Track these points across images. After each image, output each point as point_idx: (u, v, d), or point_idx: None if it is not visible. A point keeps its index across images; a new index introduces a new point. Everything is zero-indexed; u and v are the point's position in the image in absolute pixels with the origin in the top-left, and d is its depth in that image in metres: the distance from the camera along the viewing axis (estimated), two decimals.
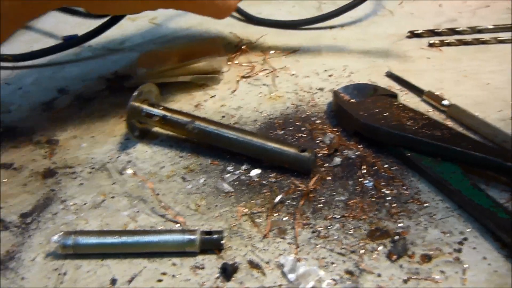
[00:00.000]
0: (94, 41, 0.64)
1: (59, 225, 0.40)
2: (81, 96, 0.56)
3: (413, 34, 0.61)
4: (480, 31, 0.60)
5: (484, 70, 0.54)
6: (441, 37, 0.60)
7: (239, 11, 0.68)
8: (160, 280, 0.35)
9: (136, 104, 0.45)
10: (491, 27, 0.60)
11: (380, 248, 0.36)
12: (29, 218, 0.41)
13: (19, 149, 0.48)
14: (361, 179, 0.42)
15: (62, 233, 0.37)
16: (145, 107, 0.45)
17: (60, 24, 0.71)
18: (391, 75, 0.54)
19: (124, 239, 0.36)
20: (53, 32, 0.70)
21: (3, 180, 0.45)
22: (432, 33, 0.61)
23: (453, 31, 0.61)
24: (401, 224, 0.38)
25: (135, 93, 0.44)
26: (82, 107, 0.54)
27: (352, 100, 0.47)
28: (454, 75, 0.54)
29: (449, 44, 0.59)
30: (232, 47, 0.61)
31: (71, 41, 0.62)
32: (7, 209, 0.42)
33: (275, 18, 0.64)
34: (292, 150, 0.41)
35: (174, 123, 0.44)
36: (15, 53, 0.61)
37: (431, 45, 0.59)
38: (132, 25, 0.66)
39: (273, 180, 0.42)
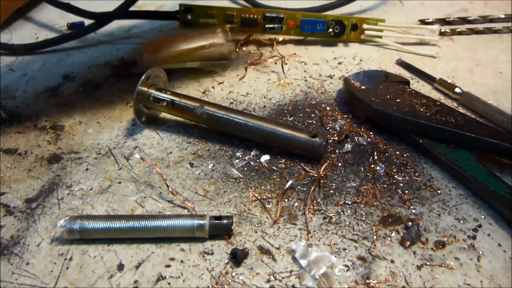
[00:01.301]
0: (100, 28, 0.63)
1: (64, 210, 0.39)
2: (87, 82, 0.55)
3: (424, 23, 0.60)
4: (492, 20, 0.59)
5: (497, 59, 0.53)
6: (452, 26, 0.59)
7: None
8: (168, 266, 0.34)
9: (144, 88, 0.44)
10: (503, 16, 0.59)
11: (393, 234, 0.35)
12: (34, 203, 0.40)
13: (24, 134, 0.48)
14: (373, 165, 0.41)
15: (68, 217, 0.36)
16: (153, 91, 0.44)
17: (66, 13, 0.70)
18: (401, 63, 0.53)
19: (132, 223, 0.35)
20: (57, 21, 0.69)
21: (8, 166, 0.44)
22: (443, 22, 0.60)
23: (464, 20, 0.60)
24: (414, 211, 0.37)
25: (143, 77, 0.43)
26: (88, 94, 0.53)
27: (363, 87, 0.46)
28: (467, 63, 0.53)
29: (460, 33, 0.58)
30: (240, 35, 0.60)
31: (77, 31, 0.62)
32: (12, 194, 0.41)
33: (285, 6, 0.62)
34: (303, 136, 0.40)
35: (183, 108, 0.43)
36: (21, 43, 0.60)
37: (442, 34, 0.58)
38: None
39: (283, 166, 0.41)
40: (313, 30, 0.56)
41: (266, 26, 0.56)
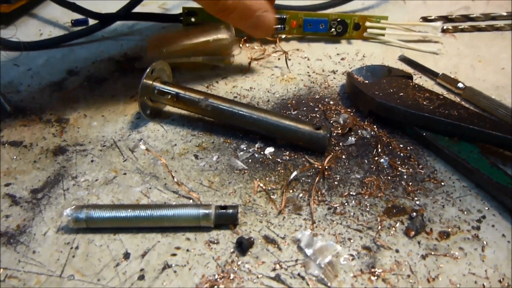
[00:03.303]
0: None
1: (70, 200, 0.39)
2: (92, 77, 0.55)
3: (426, 20, 0.61)
4: (494, 18, 0.60)
5: (498, 55, 0.53)
6: (455, 23, 0.60)
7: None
8: (174, 255, 0.34)
9: (149, 81, 0.44)
10: (505, 14, 0.60)
11: (398, 225, 0.35)
12: (40, 194, 0.40)
13: (29, 127, 0.48)
14: (377, 158, 0.41)
15: (74, 206, 0.36)
16: (158, 84, 0.44)
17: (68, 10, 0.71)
18: (404, 59, 0.54)
19: (138, 213, 0.35)
20: (61, 18, 0.70)
21: (13, 157, 0.44)
22: (445, 19, 0.60)
23: (466, 18, 0.60)
24: (418, 202, 0.37)
25: (148, 70, 0.43)
26: (93, 88, 0.53)
27: (366, 81, 0.46)
28: (469, 60, 0.53)
29: (462, 30, 0.58)
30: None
31: (81, 32, 0.62)
32: (18, 185, 0.41)
33: (289, 3, 0.63)
34: (307, 128, 0.41)
35: (187, 101, 0.44)
36: (26, 41, 0.61)
37: (444, 31, 0.58)
38: (142, 10, 0.65)
39: (287, 158, 0.41)
40: (316, 29, 0.56)
41: None
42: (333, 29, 0.56)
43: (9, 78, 0.56)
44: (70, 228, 0.36)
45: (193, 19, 0.58)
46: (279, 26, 0.56)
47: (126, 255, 0.34)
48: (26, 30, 0.67)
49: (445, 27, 0.58)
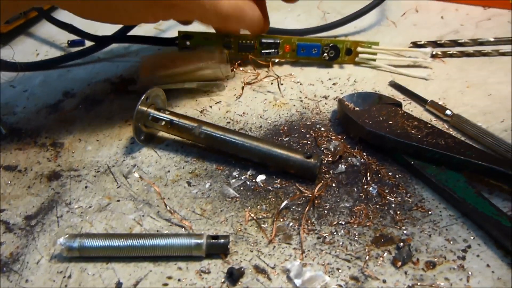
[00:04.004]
0: None
1: (63, 227, 0.40)
2: (87, 98, 0.56)
3: (416, 45, 0.62)
4: (482, 43, 0.61)
5: (486, 81, 0.54)
6: (444, 48, 0.61)
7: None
8: (165, 284, 0.35)
9: (144, 108, 0.45)
10: (492, 39, 0.61)
11: (385, 254, 0.36)
12: (34, 221, 0.41)
13: (24, 151, 0.49)
14: (366, 186, 0.42)
15: (67, 235, 0.37)
16: (152, 111, 0.45)
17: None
18: (394, 85, 0.55)
19: (130, 242, 0.36)
20: (58, 38, 0.71)
21: (8, 182, 0.45)
22: (434, 44, 0.61)
23: (455, 43, 0.61)
24: (406, 231, 0.38)
25: (143, 97, 0.44)
26: (88, 109, 0.54)
27: (357, 108, 0.47)
28: (457, 85, 0.54)
29: (451, 56, 0.59)
30: (237, 55, 0.62)
31: (77, 53, 0.63)
32: (12, 211, 0.42)
33: (281, 27, 0.64)
34: (298, 156, 0.42)
35: (181, 128, 0.45)
36: (23, 62, 0.61)
37: (434, 56, 0.60)
38: (138, 32, 0.66)
39: (279, 186, 0.42)
40: (308, 54, 0.58)
41: (263, 51, 0.57)
42: (325, 54, 0.57)
43: (5, 100, 0.57)
44: (63, 257, 0.37)
45: (188, 43, 0.59)
46: (273, 50, 0.57)
47: (119, 285, 0.35)
48: (23, 50, 0.68)
49: (434, 52, 0.60)
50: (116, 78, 0.60)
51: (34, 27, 0.75)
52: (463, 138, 0.46)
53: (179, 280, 0.35)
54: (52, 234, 0.39)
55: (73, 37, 0.65)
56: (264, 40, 0.57)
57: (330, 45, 0.57)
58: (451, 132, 0.47)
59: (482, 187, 0.41)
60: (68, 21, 0.61)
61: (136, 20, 0.50)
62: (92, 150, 0.48)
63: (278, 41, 0.57)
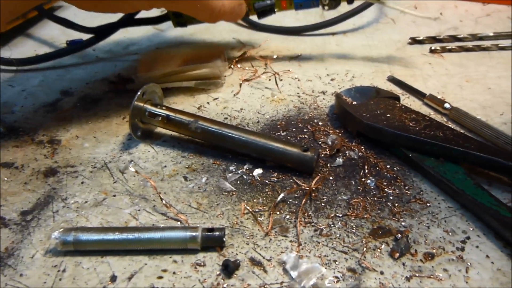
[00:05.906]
0: (99, 45, 0.64)
1: (59, 222, 0.40)
2: (85, 97, 0.56)
3: (415, 41, 0.62)
4: (481, 38, 0.61)
5: (486, 75, 0.54)
6: (443, 43, 0.61)
7: (243, 18, 0.68)
8: (160, 277, 0.34)
9: (140, 104, 0.45)
10: (492, 34, 0.61)
11: (383, 246, 0.36)
12: (29, 216, 0.41)
13: (21, 148, 0.49)
14: (364, 179, 0.41)
15: (62, 229, 0.36)
16: (149, 107, 0.45)
17: (66, 31, 0.72)
18: (393, 80, 0.54)
19: (125, 235, 0.36)
20: (57, 38, 0.71)
21: (4, 179, 0.45)
22: (433, 39, 0.61)
23: (454, 38, 0.61)
24: (404, 223, 0.37)
25: (139, 93, 0.44)
26: (86, 108, 0.54)
27: (355, 102, 0.47)
28: (456, 80, 0.54)
29: (450, 51, 0.59)
30: (235, 52, 0.62)
31: (75, 46, 0.63)
32: (8, 207, 0.42)
33: (280, 24, 0.64)
34: (295, 150, 0.41)
35: (178, 123, 0.44)
36: (20, 57, 0.62)
37: (432, 51, 0.59)
38: (137, 30, 0.66)
39: (275, 179, 0.42)
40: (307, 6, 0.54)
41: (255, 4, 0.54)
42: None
43: (3, 99, 0.57)
44: (58, 251, 0.37)
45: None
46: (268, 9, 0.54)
47: (113, 278, 0.35)
48: (22, 50, 0.68)
49: (433, 48, 0.59)
50: (115, 77, 0.60)
51: (32, 28, 0.75)
52: (461, 131, 0.45)
53: (174, 273, 0.35)
54: (48, 229, 0.39)
55: (73, 37, 0.65)
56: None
57: None
58: (450, 125, 0.46)
59: (481, 180, 0.40)
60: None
61: (134, 7, 0.49)
62: (89, 147, 0.48)
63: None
